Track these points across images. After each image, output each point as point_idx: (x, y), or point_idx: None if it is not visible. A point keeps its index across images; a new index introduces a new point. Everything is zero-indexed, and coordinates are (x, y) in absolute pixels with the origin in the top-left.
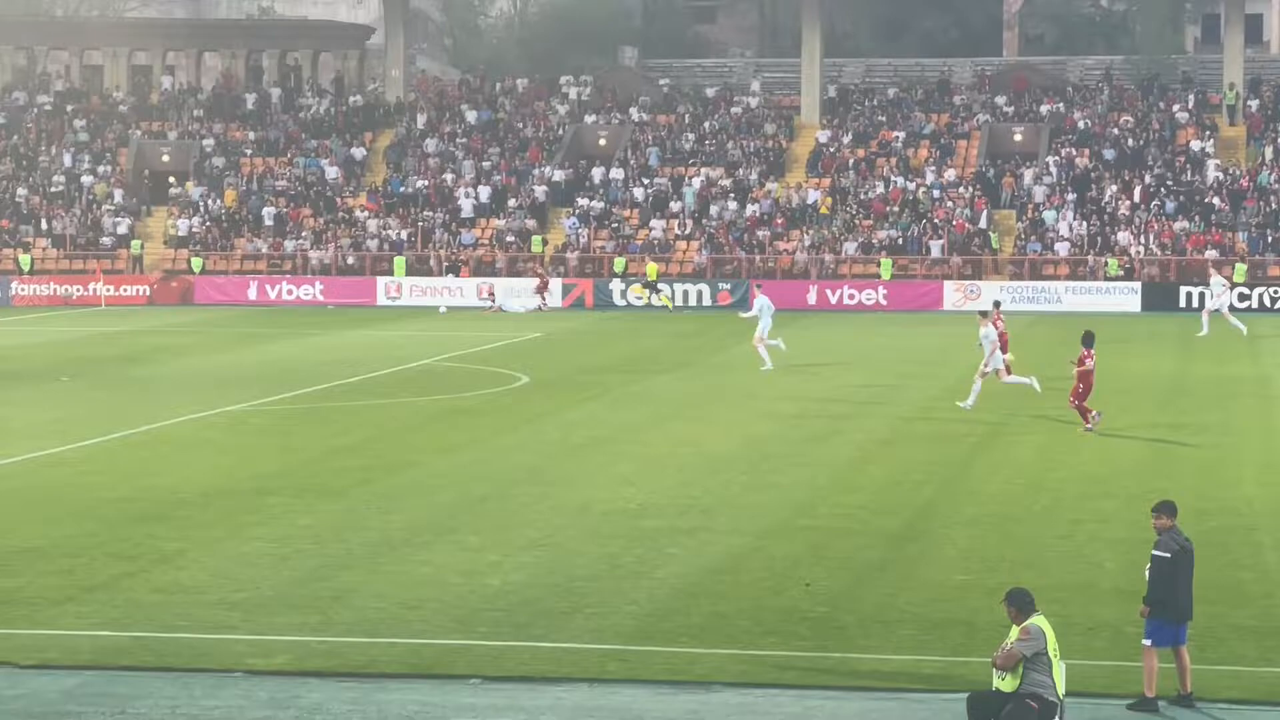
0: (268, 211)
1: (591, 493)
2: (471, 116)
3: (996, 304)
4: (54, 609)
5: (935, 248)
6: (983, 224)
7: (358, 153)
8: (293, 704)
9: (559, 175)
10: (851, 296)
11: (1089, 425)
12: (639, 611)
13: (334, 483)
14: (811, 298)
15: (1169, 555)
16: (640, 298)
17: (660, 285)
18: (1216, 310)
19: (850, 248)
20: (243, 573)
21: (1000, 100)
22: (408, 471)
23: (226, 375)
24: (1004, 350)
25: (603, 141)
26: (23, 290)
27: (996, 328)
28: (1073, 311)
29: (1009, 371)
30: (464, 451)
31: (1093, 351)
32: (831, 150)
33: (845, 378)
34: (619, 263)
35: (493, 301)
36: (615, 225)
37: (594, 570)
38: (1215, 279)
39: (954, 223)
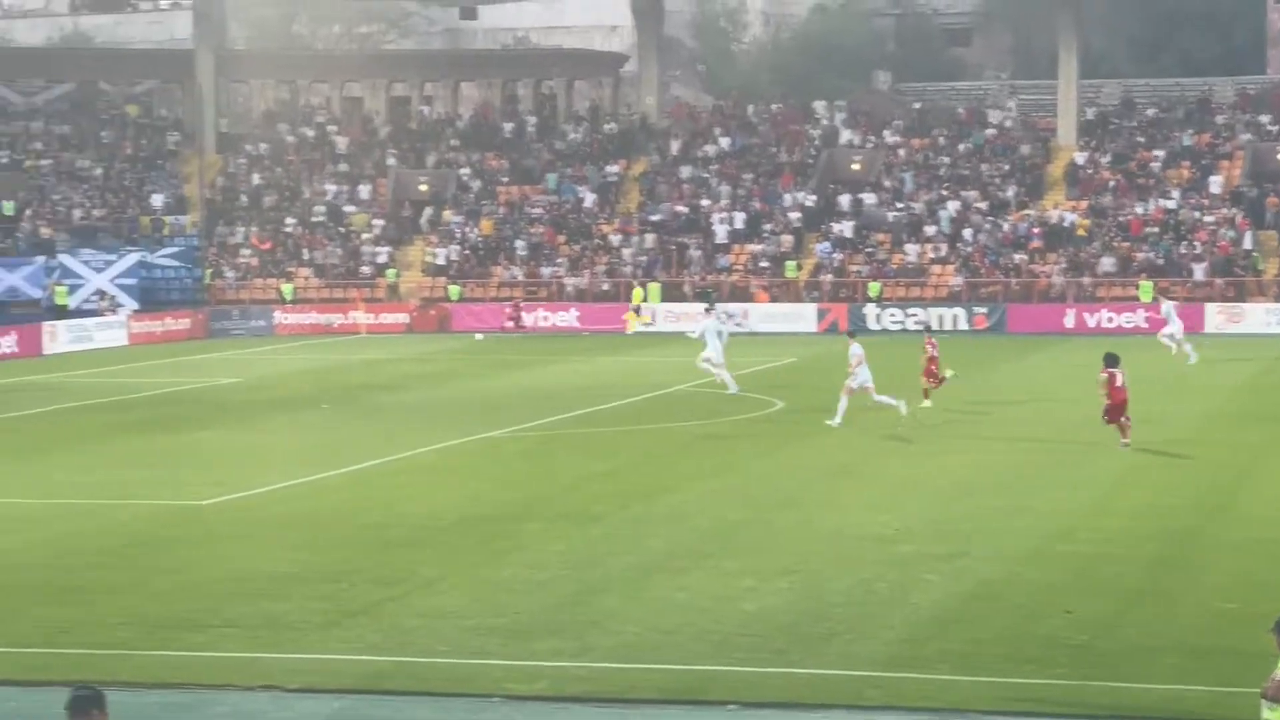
0: (523, 240)
1: (846, 518)
2: (725, 142)
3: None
4: (319, 633)
5: (1198, 270)
6: (1246, 244)
7: (612, 179)
8: None
9: (811, 200)
10: (1110, 319)
11: (1125, 441)
12: (895, 637)
13: (590, 508)
14: (1069, 321)
15: None
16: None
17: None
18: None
19: (1108, 264)
20: (501, 598)
21: (1264, 119)
22: (664, 497)
23: (484, 401)
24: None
25: (856, 165)
26: (285, 319)
27: (927, 352)
28: None
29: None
30: (720, 477)
31: (1115, 371)
32: (1089, 171)
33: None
34: (874, 287)
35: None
36: (869, 250)
37: (849, 596)
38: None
39: (1217, 244)
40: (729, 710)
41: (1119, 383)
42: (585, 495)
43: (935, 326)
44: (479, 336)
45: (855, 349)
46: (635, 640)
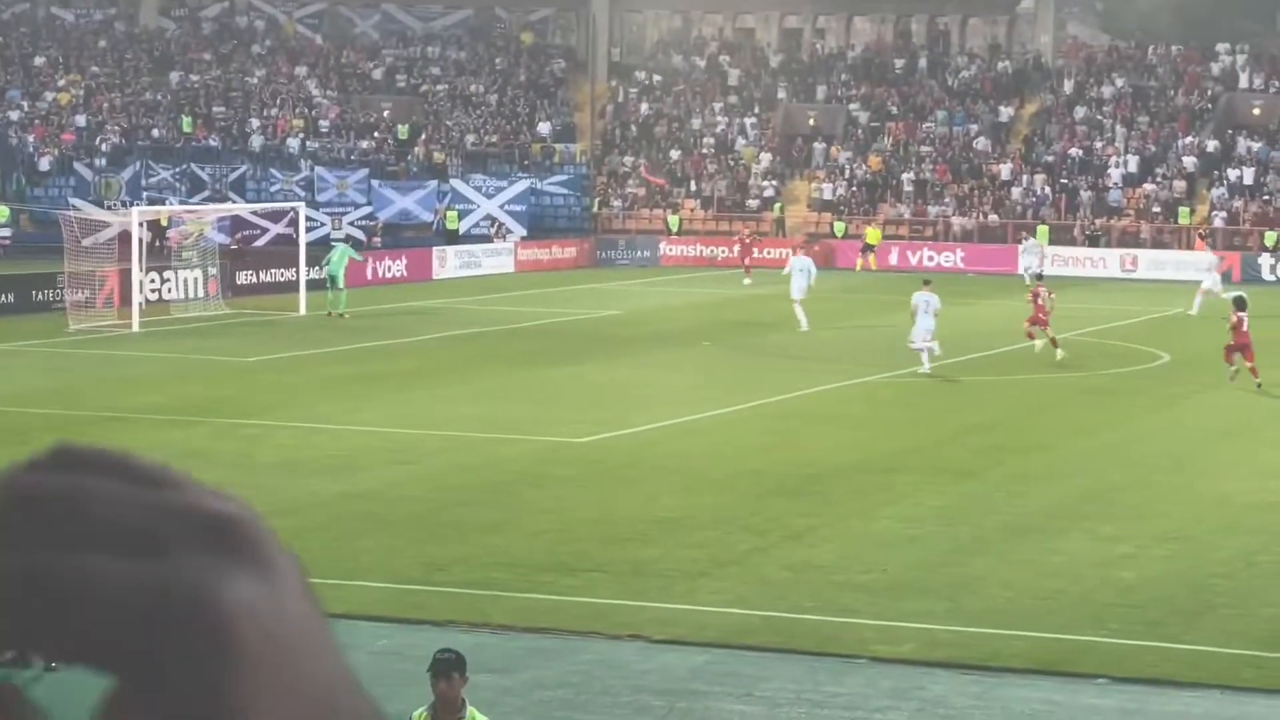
0: (909, 176)
1: (1231, 484)
2: (1120, 83)
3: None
4: (688, 583)
5: None
6: None
7: (1005, 119)
8: (915, 695)
9: (1210, 145)
10: None
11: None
12: (1276, 615)
13: (966, 462)
14: None
15: None
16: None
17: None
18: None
19: None
20: (871, 554)
21: None
22: (1041, 454)
23: (862, 344)
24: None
25: (1256, 111)
26: (670, 250)
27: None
28: None
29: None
30: (1099, 434)
31: (1242, 315)
32: None
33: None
34: (1269, 236)
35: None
36: (1266, 198)
37: (1230, 568)
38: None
39: None
40: (1098, 684)
41: (1245, 326)
42: (961, 448)
43: None
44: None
45: (918, 297)
46: (1006, 605)
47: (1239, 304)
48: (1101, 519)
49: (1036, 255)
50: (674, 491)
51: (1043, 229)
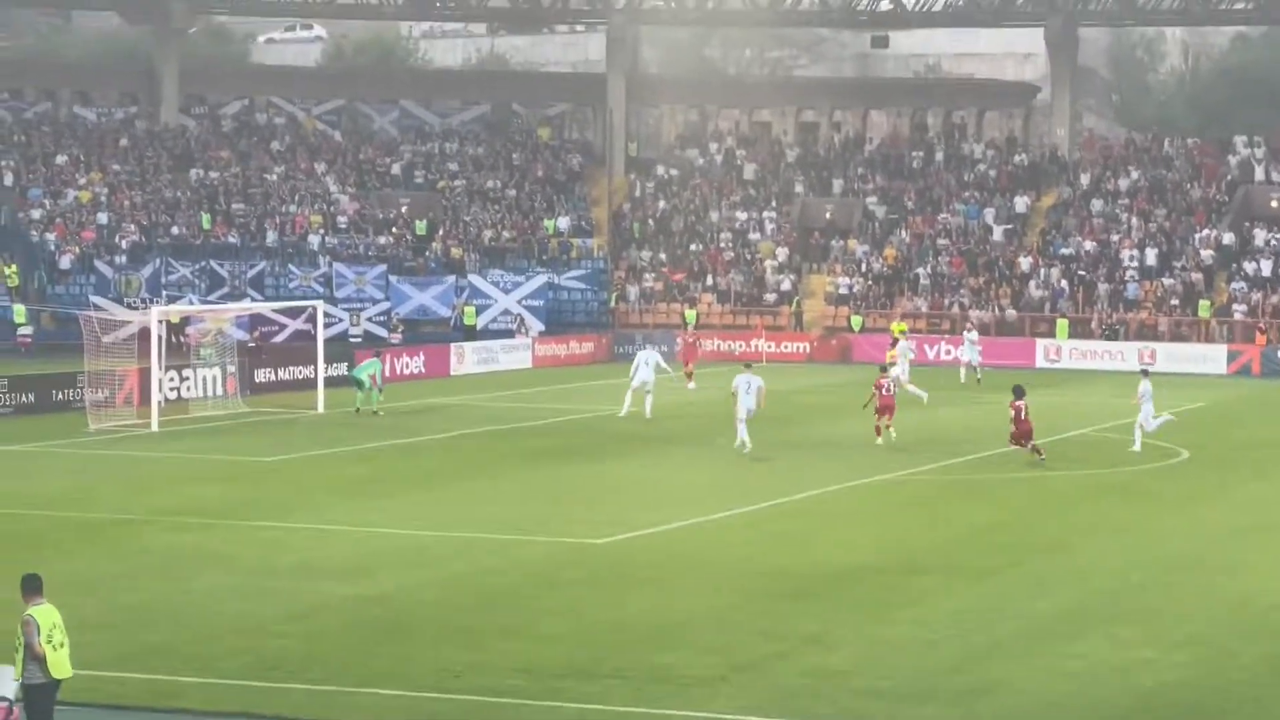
0: (926, 269)
1: (1254, 583)
2: (1137, 175)
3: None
4: (705, 689)
5: None
6: None
7: (1020, 211)
8: None
9: (1227, 237)
10: None
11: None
12: None
13: (983, 562)
14: None
15: None
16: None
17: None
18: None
19: None
20: (889, 658)
21: None
22: (1059, 553)
23: (879, 442)
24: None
25: (1275, 203)
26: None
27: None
28: None
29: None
30: (1119, 533)
31: (1019, 404)
32: None
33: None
34: None
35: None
36: None
37: (1253, 674)
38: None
39: None
40: None
41: (1024, 415)
42: (978, 547)
43: None
44: (691, 386)
45: (740, 379)
46: (1023, 712)
47: (1017, 393)
48: (1121, 621)
49: (976, 350)
50: (690, 593)
51: (1062, 322)
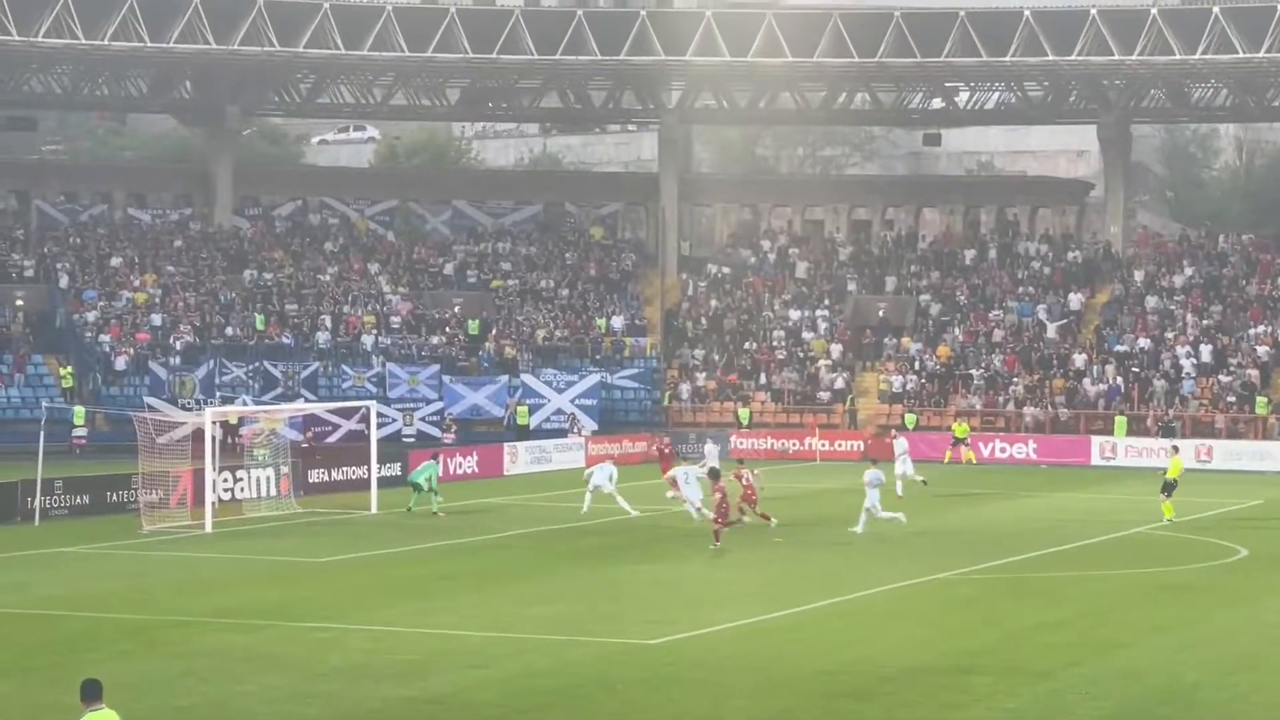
0: (980, 368)
1: None
2: (1191, 272)
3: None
4: None
5: None
6: None
7: (1075, 308)
8: None
9: None
10: None
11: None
12: None
13: (1040, 662)
14: None
15: None
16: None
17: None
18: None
19: None
20: None
21: None
22: (1117, 652)
23: (934, 538)
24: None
25: None
26: (741, 444)
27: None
28: None
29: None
30: (1176, 631)
31: (720, 484)
32: None
33: None
34: None
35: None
36: None
37: None
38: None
39: None
40: None
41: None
42: (1035, 647)
43: None
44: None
45: (677, 471)
46: None
47: (713, 475)
48: None
49: (908, 460)
50: (743, 694)
51: (1120, 419)
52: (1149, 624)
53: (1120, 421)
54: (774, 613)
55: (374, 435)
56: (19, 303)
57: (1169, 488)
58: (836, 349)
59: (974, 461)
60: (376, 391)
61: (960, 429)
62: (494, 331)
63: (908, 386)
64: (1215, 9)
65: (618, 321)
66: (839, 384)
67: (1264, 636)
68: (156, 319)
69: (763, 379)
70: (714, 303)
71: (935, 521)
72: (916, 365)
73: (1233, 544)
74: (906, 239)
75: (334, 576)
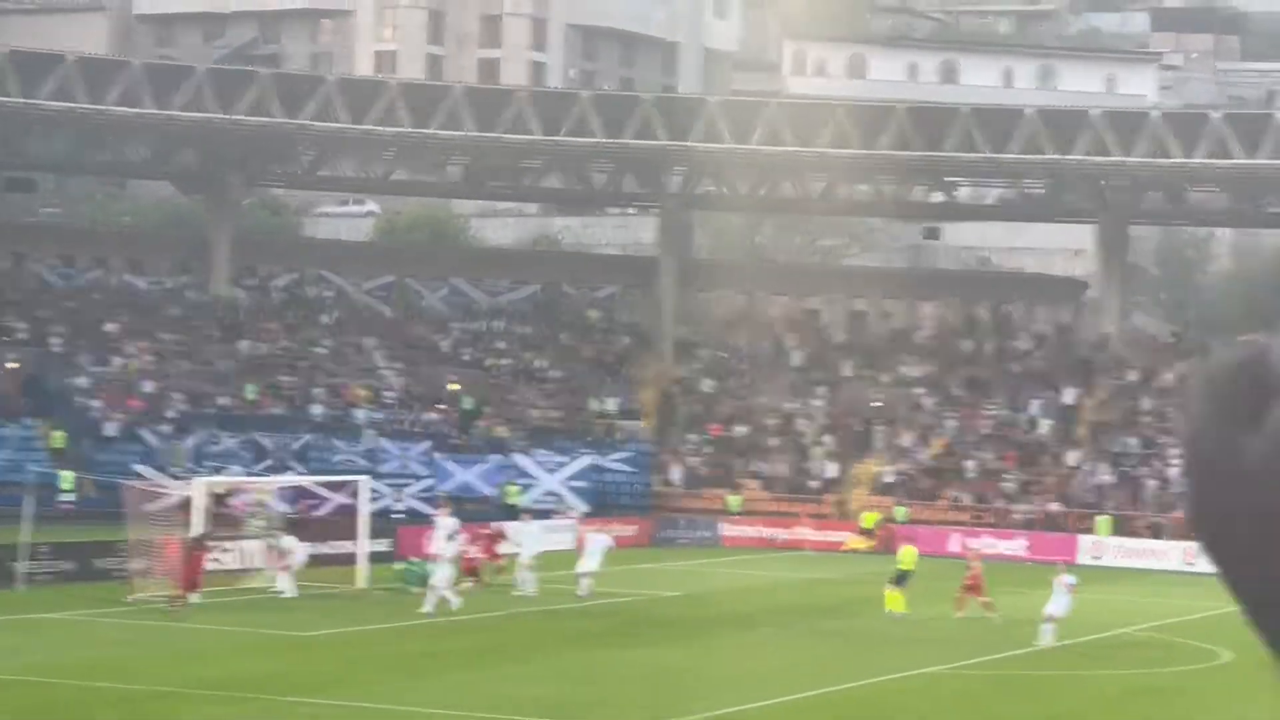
0: (972, 462)
1: None
2: (1185, 372)
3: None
4: None
5: None
6: None
7: (1069, 405)
8: None
9: None
10: None
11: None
12: None
13: None
14: None
15: None
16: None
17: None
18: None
19: None
20: None
21: None
22: None
23: (923, 633)
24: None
25: None
26: (731, 531)
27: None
28: None
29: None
30: None
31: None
32: None
33: None
34: None
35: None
36: None
37: None
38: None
39: None
40: None
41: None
42: None
43: None
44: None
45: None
46: None
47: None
48: None
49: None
50: None
51: (1103, 520)
52: None
53: (1103, 521)
54: (765, 701)
55: (364, 510)
56: (10, 365)
57: (901, 579)
58: (829, 438)
59: (859, 551)
60: (368, 465)
61: (870, 518)
62: (487, 409)
63: (900, 478)
64: (1213, 114)
65: (612, 404)
66: (830, 473)
67: None
68: (149, 386)
69: (754, 466)
70: (707, 387)
71: (923, 615)
72: (909, 456)
73: (1215, 647)
74: (903, 331)
75: (321, 650)
